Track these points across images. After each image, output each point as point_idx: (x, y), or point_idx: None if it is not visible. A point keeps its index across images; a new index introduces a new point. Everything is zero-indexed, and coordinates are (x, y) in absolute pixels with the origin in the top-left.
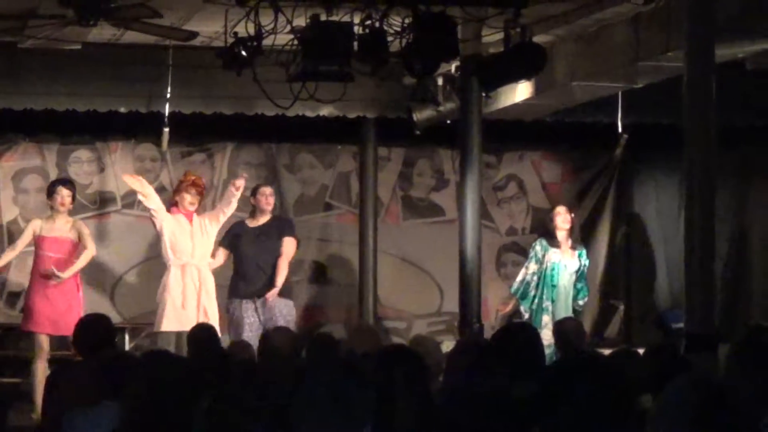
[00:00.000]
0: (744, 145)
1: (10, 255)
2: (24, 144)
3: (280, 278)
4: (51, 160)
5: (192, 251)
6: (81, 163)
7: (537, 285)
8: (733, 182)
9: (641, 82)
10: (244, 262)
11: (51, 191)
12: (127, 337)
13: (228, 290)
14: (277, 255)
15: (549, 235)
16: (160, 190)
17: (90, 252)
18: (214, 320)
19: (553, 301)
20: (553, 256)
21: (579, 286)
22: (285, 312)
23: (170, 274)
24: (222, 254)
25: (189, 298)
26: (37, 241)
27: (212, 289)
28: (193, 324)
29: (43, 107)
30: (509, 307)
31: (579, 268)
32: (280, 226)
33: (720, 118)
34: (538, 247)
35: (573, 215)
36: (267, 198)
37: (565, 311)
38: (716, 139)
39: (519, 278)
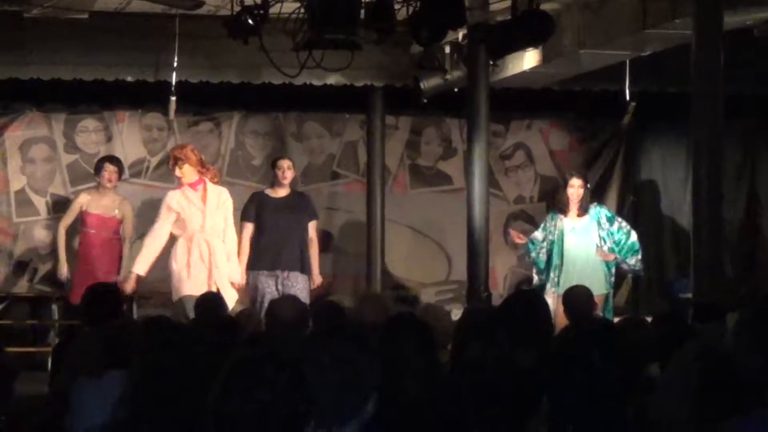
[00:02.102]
0: (753, 112)
1: (62, 231)
2: (31, 114)
3: (316, 266)
4: (58, 129)
5: (202, 224)
6: (88, 132)
7: (551, 252)
8: (744, 150)
9: (649, 50)
10: (268, 235)
11: (98, 168)
12: (135, 306)
13: (248, 261)
14: (302, 231)
15: (559, 203)
16: (167, 159)
17: (128, 244)
18: (226, 293)
19: (558, 269)
20: (559, 223)
21: (621, 243)
22: (302, 285)
23: (177, 245)
24: (250, 227)
25: (196, 270)
26: (82, 217)
27: (223, 263)
28: (195, 290)
29: (49, 77)
30: (524, 240)
31: (601, 223)
32: (304, 203)
33: (728, 86)
34: (547, 217)
35: (588, 187)
36: (284, 172)
37: (585, 276)
38: (724, 107)
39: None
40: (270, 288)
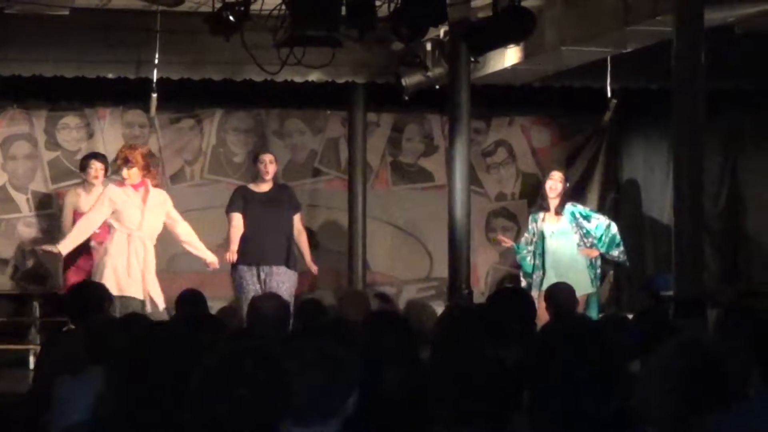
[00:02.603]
0: (734, 109)
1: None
2: (12, 110)
3: (308, 255)
4: (39, 126)
5: (140, 223)
6: (69, 129)
7: (533, 254)
8: (725, 147)
9: (630, 47)
10: (252, 230)
11: (84, 165)
12: (117, 303)
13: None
14: (286, 224)
15: (541, 198)
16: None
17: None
18: (157, 294)
19: (544, 270)
20: (540, 223)
21: (601, 240)
22: (288, 283)
23: (113, 240)
24: (239, 218)
25: (133, 267)
26: (74, 218)
27: (153, 265)
28: (136, 291)
29: (30, 73)
30: (510, 243)
31: (577, 220)
32: (289, 196)
33: (709, 83)
34: (530, 219)
35: (567, 183)
36: (266, 166)
37: (573, 278)
38: (705, 104)
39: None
40: (254, 285)
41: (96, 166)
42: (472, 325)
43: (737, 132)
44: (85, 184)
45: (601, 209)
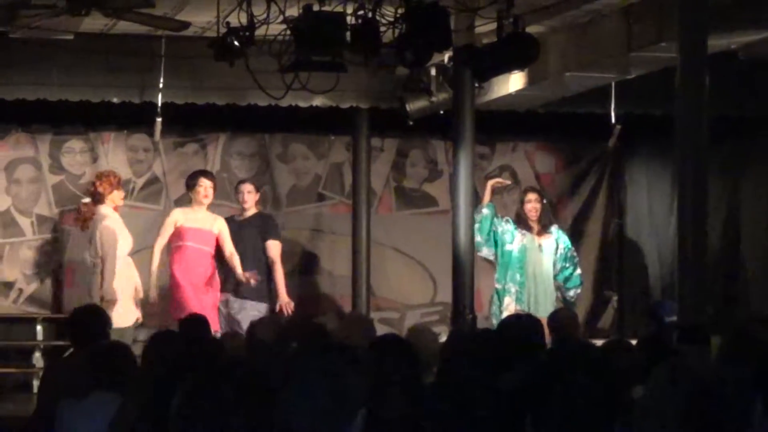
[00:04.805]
0: (737, 135)
1: (157, 253)
2: (16, 134)
3: (281, 286)
4: (44, 150)
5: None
6: (74, 153)
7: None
8: (725, 173)
9: (634, 73)
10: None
11: (192, 183)
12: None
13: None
14: (257, 253)
15: (519, 218)
16: (153, 180)
17: (236, 257)
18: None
19: (522, 285)
20: (520, 237)
21: (567, 273)
22: (252, 312)
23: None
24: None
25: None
26: (179, 232)
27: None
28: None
29: (35, 97)
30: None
31: (559, 248)
32: (263, 224)
33: (713, 109)
34: (511, 224)
35: (544, 201)
36: (243, 195)
37: (543, 297)
38: (708, 130)
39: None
40: (222, 308)
41: (205, 184)
42: (475, 351)
43: (738, 158)
44: (193, 203)
45: (604, 235)
